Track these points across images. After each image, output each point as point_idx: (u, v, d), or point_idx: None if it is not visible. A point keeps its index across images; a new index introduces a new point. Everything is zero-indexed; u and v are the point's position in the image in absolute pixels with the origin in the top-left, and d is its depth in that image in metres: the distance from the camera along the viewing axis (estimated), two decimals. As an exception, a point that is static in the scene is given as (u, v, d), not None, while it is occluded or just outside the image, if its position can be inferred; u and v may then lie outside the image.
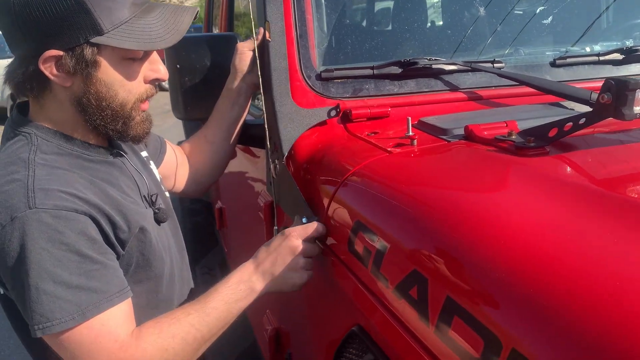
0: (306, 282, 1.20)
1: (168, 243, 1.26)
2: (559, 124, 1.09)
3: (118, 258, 1.09)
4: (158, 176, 1.37)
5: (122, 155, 1.22)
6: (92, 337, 0.99)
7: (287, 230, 1.19)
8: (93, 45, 1.02)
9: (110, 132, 1.12)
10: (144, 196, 1.21)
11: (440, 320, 0.79)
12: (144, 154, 1.36)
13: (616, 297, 0.64)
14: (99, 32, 1.01)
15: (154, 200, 1.22)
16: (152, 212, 1.21)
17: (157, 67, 1.14)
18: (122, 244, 1.09)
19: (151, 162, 1.38)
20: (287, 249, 1.17)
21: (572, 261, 0.72)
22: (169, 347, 1.04)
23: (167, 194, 1.38)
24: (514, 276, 0.72)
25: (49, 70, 1.02)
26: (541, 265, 0.72)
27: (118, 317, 1.02)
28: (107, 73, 1.06)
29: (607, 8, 1.86)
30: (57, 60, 1.02)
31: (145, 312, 1.13)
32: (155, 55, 1.15)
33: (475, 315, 0.73)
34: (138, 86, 1.12)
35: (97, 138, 1.15)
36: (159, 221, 1.22)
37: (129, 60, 1.08)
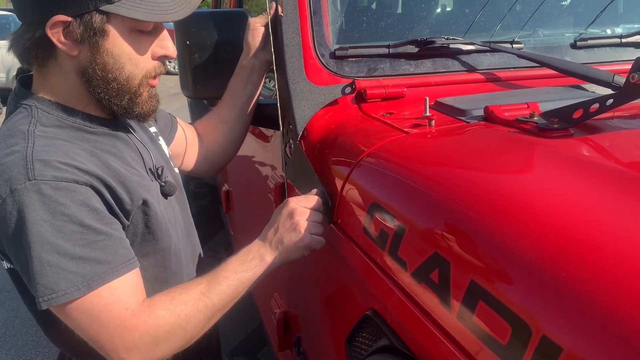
0: (312, 246, 1.16)
1: (175, 218, 1.24)
2: (585, 105, 1.05)
3: (124, 229, 1.07)
4: (167, 152, 1.34)
5: (127, 129, 1.19)
6: (102, 306, 0.98)
7: (287, 199, 1.20)
8: (102, 13, 1.00)
9: (114, 107, 1.09)
10: (150, 169, 1.18)
11: (463, 305, 0.76)
12: (153, 129, 1.33)
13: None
14: (109, 0, 0.99)
15: (160, 174, 1.20)
16: (159, 186, 1.19)
17: (165, 44, 1.11)
18: (127, 214, 1.07)
19: (160, 137, 1.35)
20: (286, 213, 1.17)
21: (605, 245, 0.68)
22: (182, 313, 1.03)
23: (176, 170, 1.36)
24: (544, 259, 0.68)
25: (56, 37, 0.99)
26: (572, 248, 0.68)
27: (127, 286, 1.01)
28: (115, 44, 1.03)
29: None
30: (65, 26, 0.99)
31: (153, 287, 1.12)
32: (164, 32, 1.12)
33: (502, 300, 0.70)
34: (146, 62, 1.09)
35: (101, 111, 1.12)
36: (165, 194, 1.20)
37: (138, 33, 1.06)
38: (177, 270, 1.23)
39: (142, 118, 1.15)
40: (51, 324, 1.08)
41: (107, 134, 1.12)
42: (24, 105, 1.06)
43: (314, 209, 1.18)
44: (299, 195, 1.26)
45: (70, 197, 0.96)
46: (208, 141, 1.52)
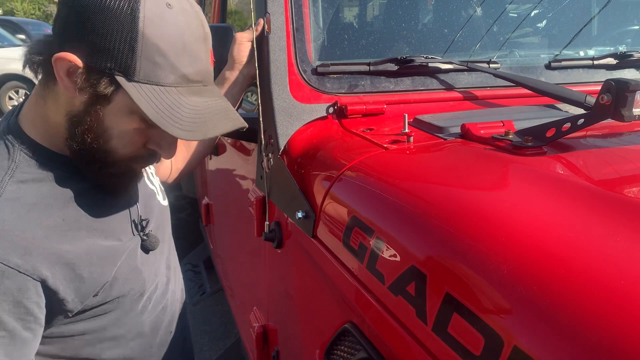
0: None
1: (155, 270, 1.18)
2: (557, 124, 1.09)
3: (79, 313, 1.00)
4: (157, 183, 1.29)
5: None
6: None
7: None
8: (114, 80, 0.89)
9: (81, 167, 0.99)
10: (134, 220, 1.11)
11: (438, 317, 0.77)
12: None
13: (619, 296, 0.63)
14: (127, 75, 0.89)
15: (143, 226, 1.13)
16: (139, 240, 1.12)
17: (163, 144, 1.00)
18: (76, 304, 0.98)
19: (151, 166, 1.30)
20: None
21: (573, 259, 0.71)
22: None
23: (165, 203, 1.29)
24: (515, 273, 0.71)
25: (59, 69, 0.90)
26: (543, 262, 0.71)
27: None
28: (111, 115, 0.93)
29: (596, 14, 1.88)
30: (72, 66, 0.89)
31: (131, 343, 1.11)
32: (170, 136, 0.96)
33: (476, 312, 0.72)
34: (135, 146, 0.98)
35: None
36: (147, 249, 1.13)
37: (138, 117, 0.93)
38: (151, 319, 1.17)
39: (108, 187, 1.04)
40: None
41: (93, 184, 1.03)
42: (7, 142, 0.96)
43: None
44: (279, 208, 1.26)
45: None
46: (180, 149, 1.46)
